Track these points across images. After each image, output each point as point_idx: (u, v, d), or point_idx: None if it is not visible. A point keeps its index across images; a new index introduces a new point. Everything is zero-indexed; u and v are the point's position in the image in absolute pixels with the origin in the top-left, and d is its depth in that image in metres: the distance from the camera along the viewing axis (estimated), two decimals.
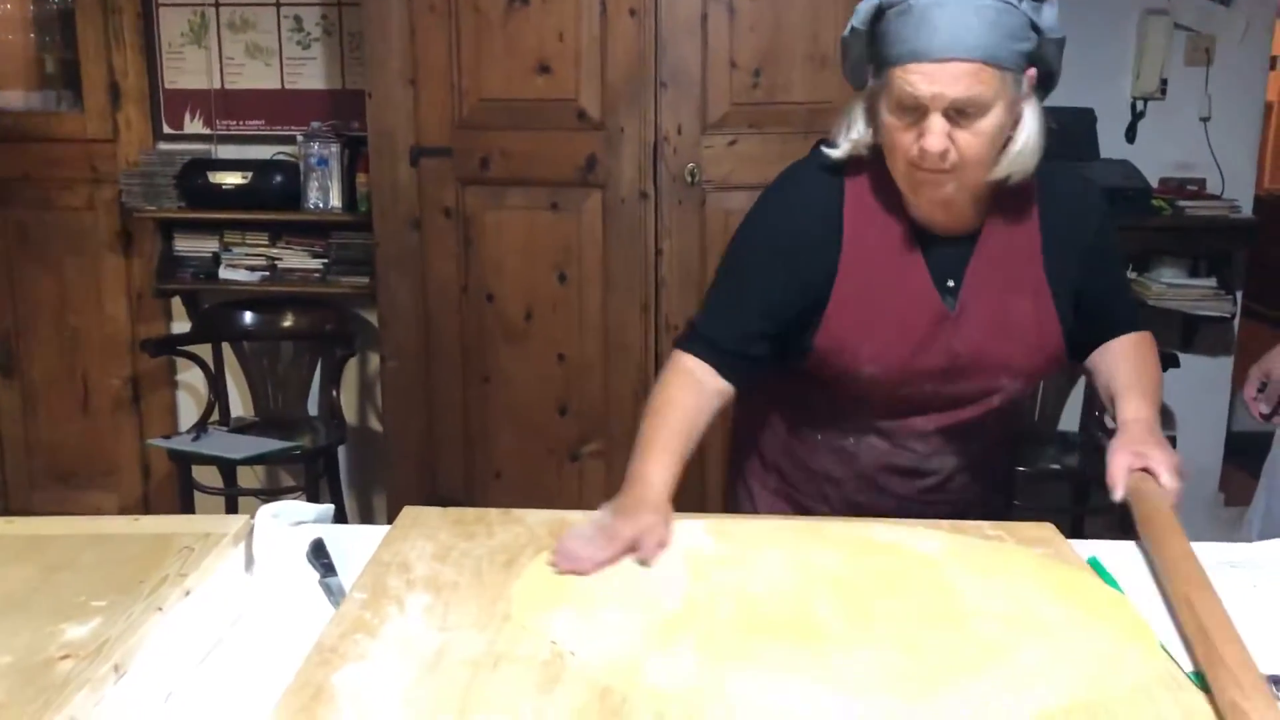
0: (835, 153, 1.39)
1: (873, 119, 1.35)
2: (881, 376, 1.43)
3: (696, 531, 1.30)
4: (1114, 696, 0.96)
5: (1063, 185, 1.43)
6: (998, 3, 1.23)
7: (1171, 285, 3.18)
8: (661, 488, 1.31)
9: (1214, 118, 3.24)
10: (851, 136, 1.38)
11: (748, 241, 1.47)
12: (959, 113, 1.24)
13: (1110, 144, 3.23)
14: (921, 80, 1.23)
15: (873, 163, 1.39)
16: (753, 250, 1.46)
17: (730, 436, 1.73)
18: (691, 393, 1.42)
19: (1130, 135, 3.26)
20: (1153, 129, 3.25)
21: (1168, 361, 3.06)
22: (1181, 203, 3.17)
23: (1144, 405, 1.38)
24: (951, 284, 1.42)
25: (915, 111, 1.25)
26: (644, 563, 1.20)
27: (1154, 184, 3.18)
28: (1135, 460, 1.29)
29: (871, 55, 1.33)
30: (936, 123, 1.24)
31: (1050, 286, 1.43)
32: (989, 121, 1.25)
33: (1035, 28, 1.27)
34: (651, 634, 1.06)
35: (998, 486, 1.66)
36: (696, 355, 1.44)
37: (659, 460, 1.33)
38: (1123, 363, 1.46)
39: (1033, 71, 1.29)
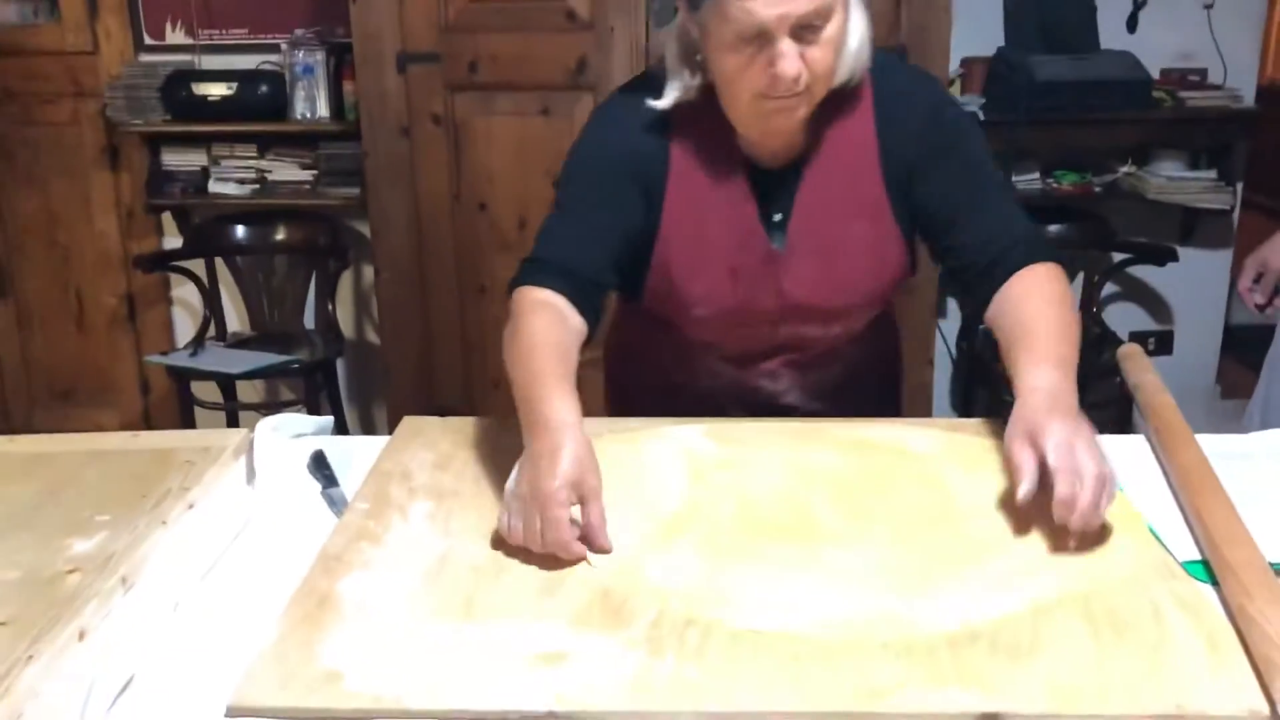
0: (660, 103, 1.27)
1: (691, 60, 1.23)
2: (713, 319, 1.37)
3: (695, 435, 1.31)
4: (1107, 587, 0.97)
5: (894, 83, 1.31)
6: None
7: (1171, 179, 3.15)
8: (575, 425, 1.10)
9: (1217, 5, 3.16)
10: (676, 85, 1.25)
11: (581, 169, 1.34)
12: (805, 28, 1.13)
13: (1110, 35, 3.16)
14: (761, 5, 1.10)
15: (696, 98, 1.27)
16: (586, 177, 1.33)
17: None
18: (558, 328, 1.23)
19: (1131, 25, 3.19)
20: (1154, 18, 3.18)
21: (1167, 256, 3.05)
22: (1182, 94, 3.12)
23: (1046, 369, 1.13)
24: (779, 217, 1.33)
25: (758, 40, 1.14)
26: (590, 538, 1.05)
27: (1155, 75, 3.13)
28: (1033, 445, 1.05)
29: None
30: (788, 46, 1.13)
31: (890, 200, 1.32)
32: (834, 27, 1.16)
33: None
34: (652, 535, 1.08)
35: (885, 396, 1.59)
36: (549, 288, 1.26)
37: (557, 395, 1.12)
38: (1018, 314, 1.22)
39: None
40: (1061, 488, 1.01)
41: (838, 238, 1.33)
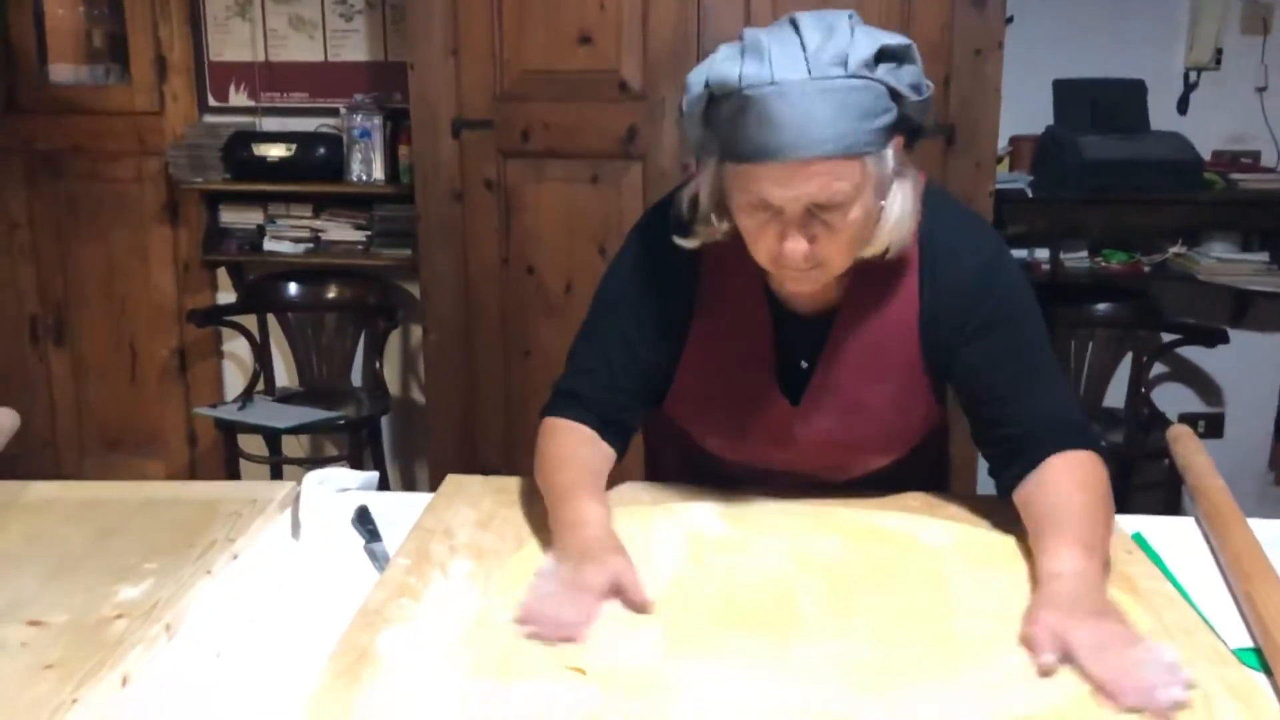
0: (687, 243, 1.21)
1: (721, 204, 1.16)
2: (722, 453, 1.35)
3: (708, 513, 1.28)
4: (1087, 710, 0.91)
5: (945, 240, 1.22)
6: (846, 80, 1.04)
7: (1222, 260, 3.12)
8: (607, 524, 1.16)
9: (1270, 88, 3.15)
10: (704, 228, 1.19)
11: (613, 297, 1.32)
12: (819, 208, 1.07)
13: (1161, 116, 3.16)
14: (772, 184, 1.05)
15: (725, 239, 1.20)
16: (618, 307, 1.31)
17: None
18: (587, 447, 1.27)
19: (1182, 107, 3.19)
20: (1206, 100, 3.18)
21: (1217, 338, 3.01)
22: (1234, 176, 3.10)
23: (1072, 553, 1.06)
24: (805, 365, 1.28)
25: (769, 210, 1.08)
26: (642, 608, 1.06)
27: (1206, 157, 3.12)
28: (1052, 641, 0.97)
29: (709, 138, 1.13)
30: (795, 227, 1.08)
31: (925, 366, 1.26)
32: (854, 215, 1.08)
33: (894, 94, 1.07)
34: (626, 614, 1.06)
35: (927, 482, 1.44)
36: (575, 419, 1.29)
37: (589, 500, 1.18)
38: (1048, 498, 1.14)
39: (899, 140, 1.11)
40: (1128, 699, 0.90)
41: (861, 396, 1.28)
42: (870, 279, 1.21)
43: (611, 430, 1.30)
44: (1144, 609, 1.07)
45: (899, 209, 1.13)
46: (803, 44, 1.05)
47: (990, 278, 1.22)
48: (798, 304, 1.26)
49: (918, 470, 1.42)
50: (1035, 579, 1.08)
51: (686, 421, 1.39)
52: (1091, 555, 1.06)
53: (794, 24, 1.07)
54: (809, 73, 1.03)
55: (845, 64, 1.04)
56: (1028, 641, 0.99)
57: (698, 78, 1.10)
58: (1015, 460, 1.20)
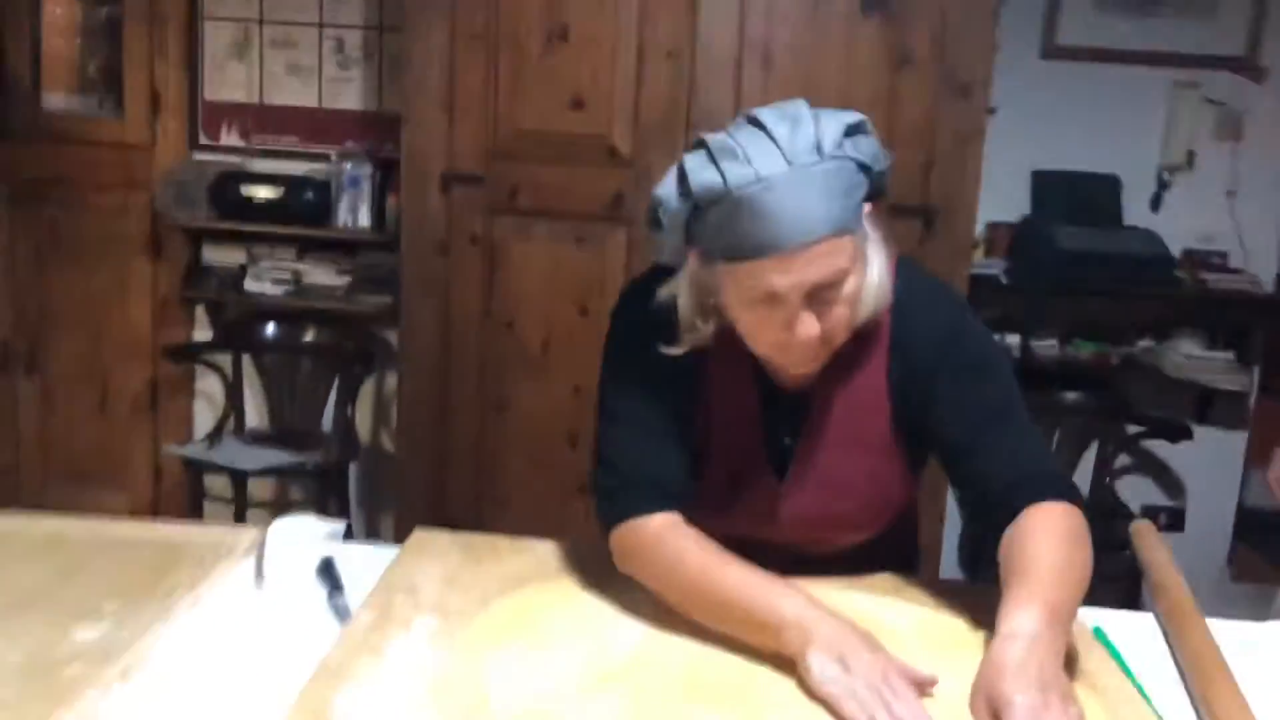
0: (674, 351, 1.20)
1: (706, 306, 1.18)
2: (706, 524, 1.27)
3: None
4: None
5: (913, 303, 1.24)
6: (823, 164, 1.08)
7: (1189, 357, 3.18)
8: (817, 601, 1.12)
9: (1240, 192, 3.25)
10: (690, 335, 1.19)
11: (630, 378, 1.28)
12: (820, 288, 1.10)
13: (1134, 212, 3.24)
14: (776, 275, 1.08)
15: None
16: (641, 387, 1.27)
17: None
18: (696, 534, 1.21)
19: (1155, 204, 3.27)
20: (1178, 199, 3.27)
21: (1181, 433, 3.06)
22: (1203, 275, 3.18)
23: (1030, 613, 1.03)
24: (789, 441, 1.30)
25: (772, 302, 1.10)
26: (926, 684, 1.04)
27: (1176, 254, 3.19)
28: (988, 710, 0.97)
29: (690, 245, 1.15)
30: (803, 311, 1.10)
31: (895, 438, 1.28)
32: (851, 284, 1.12)
33: (862, 166, 1.11)
34: (583, 685, 1.05)
35: (901, 562, 1.44)
36: (662, 511, 1.22)
37: (790, 589, 1.13)
38: (1021, 549, 1.12)
39: (867, 206, 1.15)
40: None
41: (840, 469, 1.29)
42: (844, 347, 1.21)
43: (685, 509, 1.25)
44: (1101, 705, 1.07)
45: (877, 272, 1.16)
46: (773, 138, 1.08)
47: (956, 332, 1.25)
48: (783, 380, 1.27)
49: (889, 549, 1.42)
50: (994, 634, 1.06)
51: None
52: (1054, 616, 1.03)
53: (755, 122, 1.11)
54: (789, 164, 1.07)
55: (820, 149, 1.08)
56: (971, 710, 0.99)
57: (668, 191, 1.13)
58: (994, 515, 1.18)
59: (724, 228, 1.09)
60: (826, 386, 1.26)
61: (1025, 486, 1.18)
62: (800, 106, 1.12)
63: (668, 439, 1.26)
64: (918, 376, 1.24)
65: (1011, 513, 1.16)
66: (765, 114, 1.11)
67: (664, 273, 1.25)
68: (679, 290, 1.19)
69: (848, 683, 1.02)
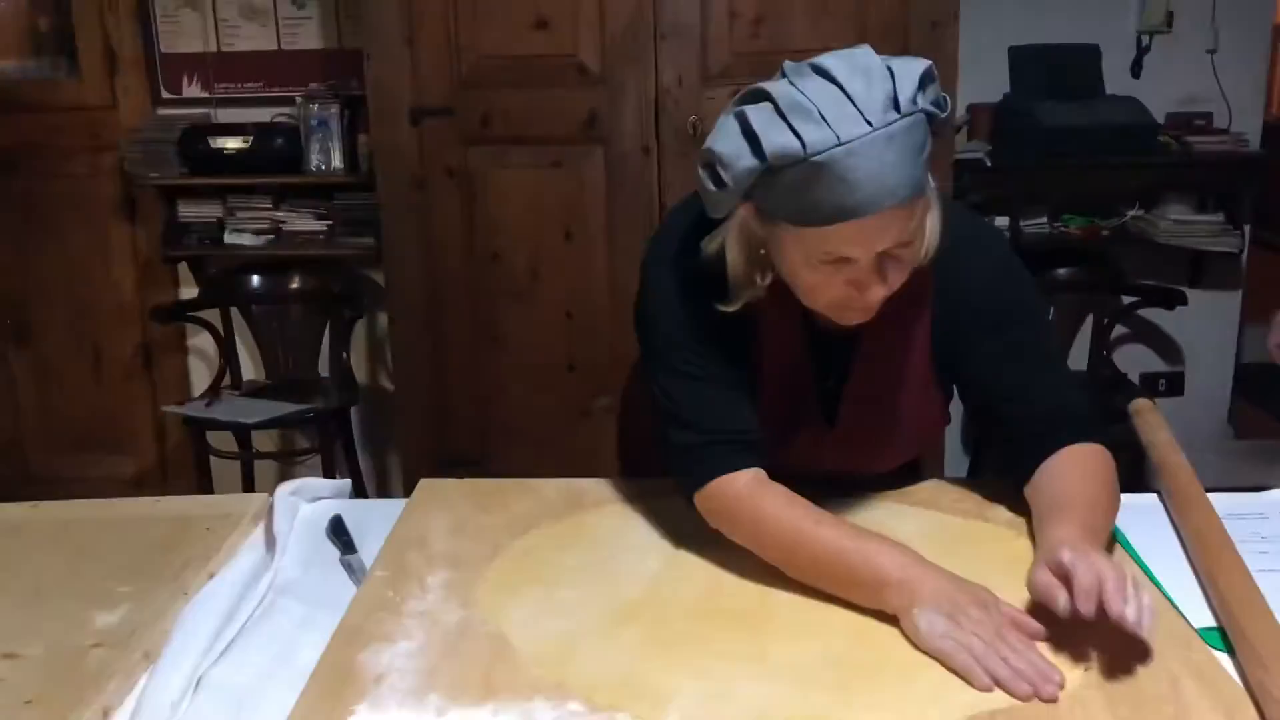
0: (729, 308, 1.18)
1: (757, 257, 1.15)
2: None
3: (684, 511, 1.28)
4: (1125, 660, 0.95)
5: (955, 247, 1.19)
6: (901, 121, 1.01)
7: (1179, 222, 3.15)
8: (915, 553, 1.10)
9: (1220, 49, 3.18)
10: (746, 290, 1.17)
11: (685, 332, 1.24)
12: (895, 247, 1.08)
13: (1115, 80, 3.19)
14: (851, 241, 1.05)
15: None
16: (697, 340, 1.23)
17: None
18: (784, 490, 1.19)
19: (1136, 70, 3.21)
20: (1159, 63, 3.21)
21: (1176, 299, 3.06)
22: (1189, 138, 3.14)
23: (1073, 530, 1.06)
24: (834, 384, 1.31)
25: (840, 263, 1.08)
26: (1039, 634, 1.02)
27: (1160, 120, 3.15)
28: (1052, 567, 1.00)
29: (749, 197, 1.09)
30: (872, 274, 1.08)
31: (938, 369, 1.29)
32: (916, 243, 1.11)
33: (929, 117, 1.06)
34: (605, 620, 1.07)
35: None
36: (746, 468, 1.20)
37: (877, 542, 1.12)
38: (1054, 488, 1.17)
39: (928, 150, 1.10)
40: (1082, 578, 0.95)
41: (885, 411, 1.30)
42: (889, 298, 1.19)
43: (765, 460, 1.23)
44: None
45: (935, 220, 1.12)
46: (848, 95, 1.01)
47: (999, 279, 1.25)
48: (829, 325, 1.23)
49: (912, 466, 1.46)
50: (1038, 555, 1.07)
51: None
52: (1092, 535, 1.07)
53: (823, 73, 1.03)
54: (869, 125, 1.00)
55: (897, 105, 1.02)
56: (1036, 594, 1.00)
57: (734, 149, 1.04)
58: (1026, 455, 1.21)
59: (798, 191, 1.03)
60: (873, 330, 1.23)
61: (1059, 430, 1.20)
62: (869, 56, 1.04)
63: (740, 393, 1.24)
64: (960, 320, 1.24)
65: (1044, 453, 1.20)
66: (834, 66, 1.03)
67: (686, 220, 1.23)
68: (727, 244, 1.15)
69: (961, 637, 1.00)
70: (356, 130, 3.11)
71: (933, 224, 1.12)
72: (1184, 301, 3.06)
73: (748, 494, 1.19)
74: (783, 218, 1.07)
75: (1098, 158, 3.06)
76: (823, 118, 1.00)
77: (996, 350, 1.23)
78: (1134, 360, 3.41)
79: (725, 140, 1.06)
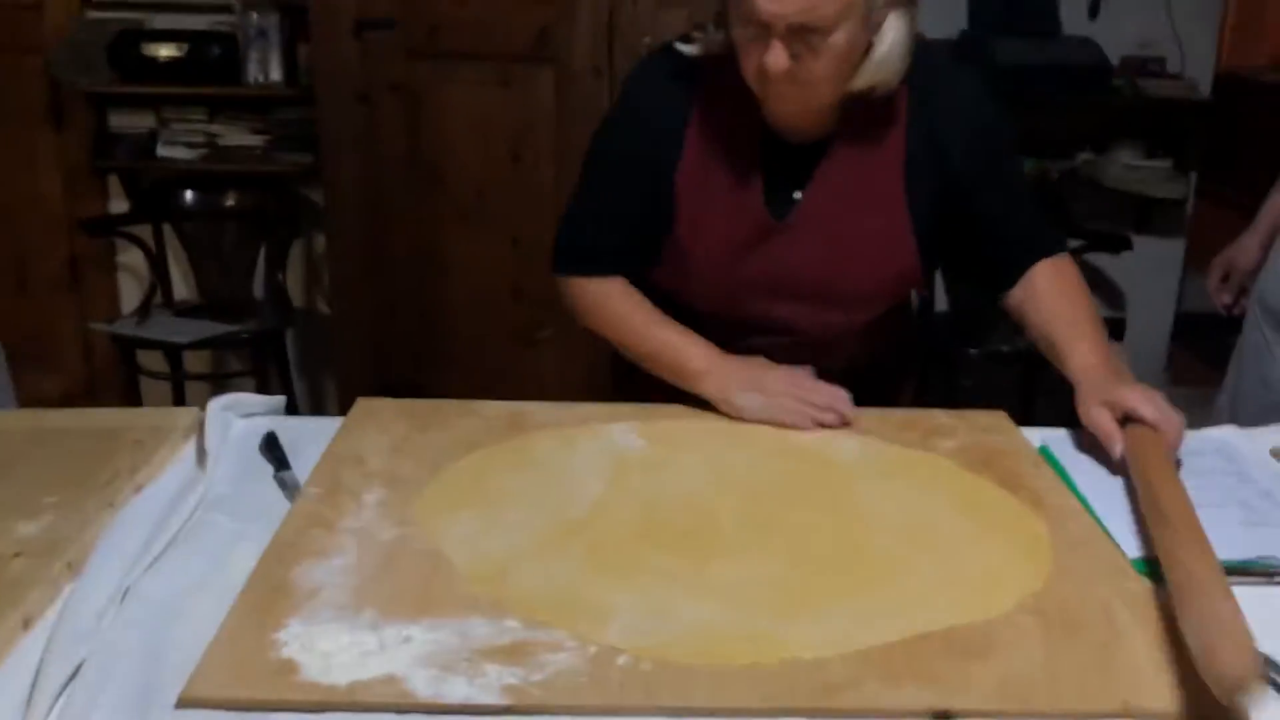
0: (689, 49, 1.32)
1: (723, 13, 1.27)
2: (707, 291, 1.41)
3: (628, 433, 1.29)
4: (995, 619, 0.93)
5: (942, 95, 1.33)
6: None
7: (1128, 167, 3.18)
8: (723, 354, 1.36)
9: None
10: (705, 35, 1.31)
11: (603, 154, 1.43)
12: (804, 31, 1.16)
13: (1073, 20, 3.18)
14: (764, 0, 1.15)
15: (730, 59, 1.29)
16: (607, 163, 1.42)
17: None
18: (638, 296, 1.43)
19: (1093, 12, 3.21)
20: (1116, 5, 3.20)
21: (1121, 244, 3.09)
22: (1141, 82, 3.15)
23: (1093, 349, 1.27)
24: (798, 195, 1.36)
25: (759, 26, 1.17)
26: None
27: (1115, 62, 3.15)
28: (1112, 410, 1.20)
29: None
30: (777, 43, 1.17)
31: (908, 206, 1.35)
32: (836, 40, 1.17)
33: None
34: (543, 539, 1.05)
35: (893, 384, 1.59)
36: (602, 274, 1.43)
37: (694, 342, 1.37)
38: (1054, 305, 1.35)
39: None
40: (1172, 437, 1.16)
41: (850, 224, 1.36)
42: (859, 117, 1.31)
43: (629, 273, 1.44)
44: (1047, 521, 1.10)
45: (888, 45, 1.21)
46: None
47: (976, 105, 1.35)
48: (789, 133, 1.33)
49: (889, 368, 1.57)
50: (1069, 375, 1.27)
51: (677, 259, 1.41)
52: (1104, 348, 1.28)
53: None
54: None
55: None
56: (1096, 431, 1.20)
57: None
58: (1005, 271, 1.39)
59: None
60: (841, 147, 1.33)
61: (1032, 246, 1.38)
62: None
63: (618, 222, 1.41)
64: (937, 152, 1.33)
65: (1021, 269, 1.38)
66: None
67: (668, 63, 1.35)
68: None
69: (774, 403, 1.28)
70: (297, 41, 3.00)
71: (885, 48, 1.21)
72: (1129, 246, 3.10)
73: (606, 295, 1.42)
74: None
75: (1051, 97, 3.06)
76: None
77: (988, 193, 1.36)
78: None
79: None
